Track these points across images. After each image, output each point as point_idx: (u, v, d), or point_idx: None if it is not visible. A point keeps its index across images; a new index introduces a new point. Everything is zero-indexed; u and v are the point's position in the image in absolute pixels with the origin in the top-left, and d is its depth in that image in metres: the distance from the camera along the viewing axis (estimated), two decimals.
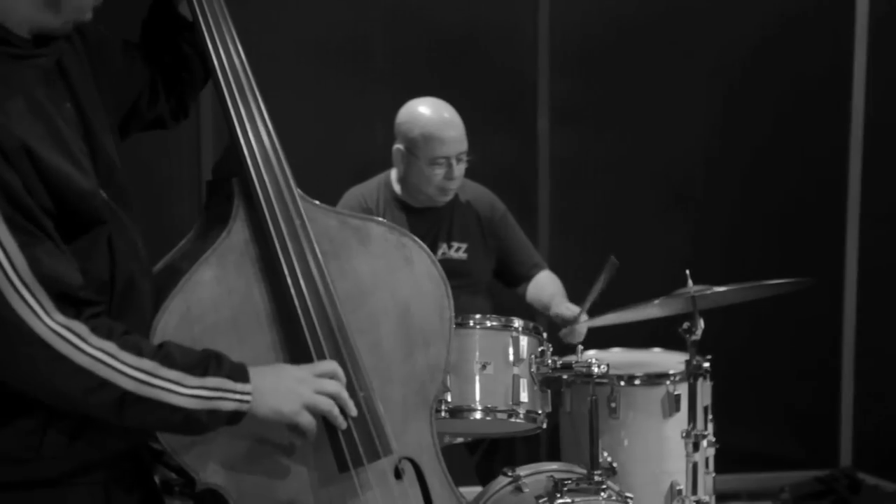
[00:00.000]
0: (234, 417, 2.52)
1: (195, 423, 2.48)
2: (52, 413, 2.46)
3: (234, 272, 2.69)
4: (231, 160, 2.76)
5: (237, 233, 2.71)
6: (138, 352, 2.41)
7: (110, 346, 2.37)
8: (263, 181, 2.73)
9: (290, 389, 2.60)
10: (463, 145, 4.60)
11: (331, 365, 2.67)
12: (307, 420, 2.60)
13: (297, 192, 2.77)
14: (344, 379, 2.67)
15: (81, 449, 2.51)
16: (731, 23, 5.81)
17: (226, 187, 2.77)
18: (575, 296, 4.56)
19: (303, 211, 2.75)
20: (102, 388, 2.37)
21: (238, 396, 2.51)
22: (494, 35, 5.66)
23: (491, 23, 5.64)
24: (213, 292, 2.66)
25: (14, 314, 2.29)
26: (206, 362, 2.50)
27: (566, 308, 4.52)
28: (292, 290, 2.69)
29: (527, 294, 4.78)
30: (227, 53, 2.78)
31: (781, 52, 5.84)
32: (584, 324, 4.44)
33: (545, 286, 4.73)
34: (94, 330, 2.36)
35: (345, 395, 2.65)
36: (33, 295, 2.30)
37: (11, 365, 2.35)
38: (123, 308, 2.56)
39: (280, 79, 5.39)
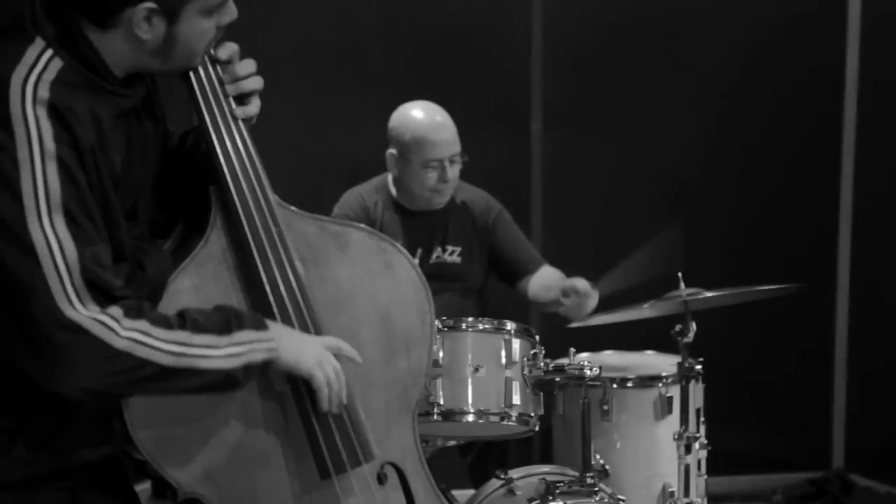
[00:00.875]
0: (265, 367, 2.57)
1: (233, 381, 2.53)
2: (29, 417, 2.48)
3: (213, 281, 2.70)
4: (207, 169, 2.76)
5: (214, 241, 2.72)
6: (168, 325, 2.43)
7: (143, 324, 2.40)
8: (241, 189, 2.73)
9: (307, 344, 2.65)
10: (455, 147, 4.59)
11: (337, 340, 2.72)
12: (321, 377, 2.63)
13: (273, 198, 2.77)
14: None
15: (53, 455, 2.53)
16: (724, 26, 5.80)
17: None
18: (582, 273, 4.52)
19: (280, 218, 2.75)
20: (143, 367, 2.39)
21: (265, 345, 2.55)
22: (488, 37, 5.65)
23: (484, 25, 5.63)
24: (192, 301, 2.66)
25: (52, 302, 2.31)
26: (227, 319, 2.53)
27: (581, 281, 4.42)
28: (271, 298, 2.70)
29: (529, 289, 4.75)
30: (203, 65, 2.77)
31: (773, 56, 5.84)
32: (594, 299, 4.39)
33: (548, 277, 4.71)
34: (127, 312, 2.39)
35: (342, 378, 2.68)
36: (73, 285, 2.34)
37: (50, 359, 2.35)
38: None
39: (273, 82, 5.32)
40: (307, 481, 2.75)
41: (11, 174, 2.31)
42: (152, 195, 2.80)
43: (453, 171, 4.60)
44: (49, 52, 2.46)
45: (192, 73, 2.75)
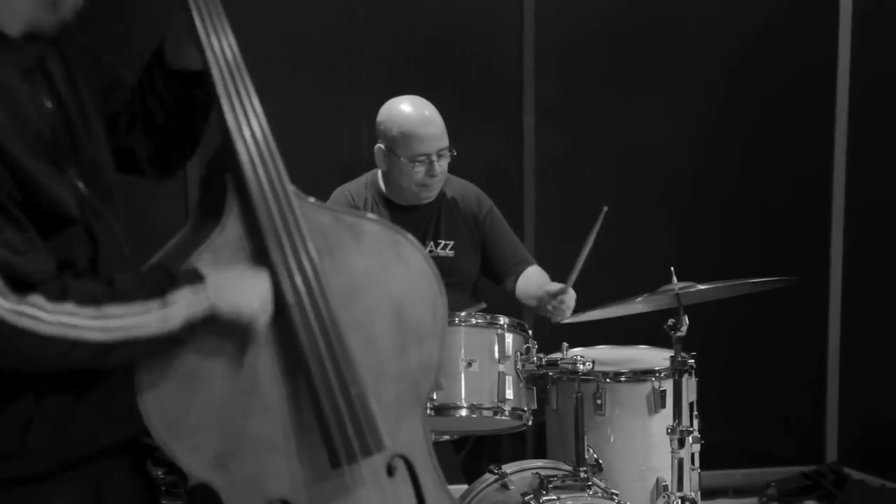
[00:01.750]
0: (207, 322, 2.52)
1: (173, 341, 2.50)
2: (37, 408, 2.48)
3: (228, 267, 2.67)
4: (225, 155, 2.72)
5: (231, 228, 2.68)
6: (95, 301, 2.40)
7: (68, 307, 2.37)
8: (258, 176, 2.69)
9: (248, 288, 2.60)
10: (443, 142, 4.61)
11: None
12: (262, 322, 2.61)
13: (290, 188, 2.74)
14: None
15: (68, 444, 2.53)
16: (717, 24, 5.86)
17: (219, 183, 2.74)
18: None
19: (296, 207, 2.72)
20: (76, 348, 2.38)
21: (202, 303, 2.51)
22: (480, 33, 5.68)
23: (476, 21, 5.67)
24: None
25: None
26: (160, 282, 2.50)
27: (553, 285, 4.51)
28: (286, 285, 2.67)
29: (516, 289, 4.79)
30: (222, 47, 2.72)
31: (766, 54, 5.90)
32: (571, 297, 4.45)
33: (533, 279, 4.75)
34: (49, 296, 2.36)
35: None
36: None
37: None
38: None
39: (266, 77, 5.29)
40: (318, 470, 2.74)
41: None
42: (118, 134, 2.82)
43: (441, 166, 4.62)
44: None
45: (210, 55, 2.70)
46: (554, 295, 4.47)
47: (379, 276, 2.84)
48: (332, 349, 2.69)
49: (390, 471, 2.86)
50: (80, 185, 2.58)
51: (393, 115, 4.63)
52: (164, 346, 2.49)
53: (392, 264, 2.87)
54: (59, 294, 2.37)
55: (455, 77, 5.50)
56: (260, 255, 2.68)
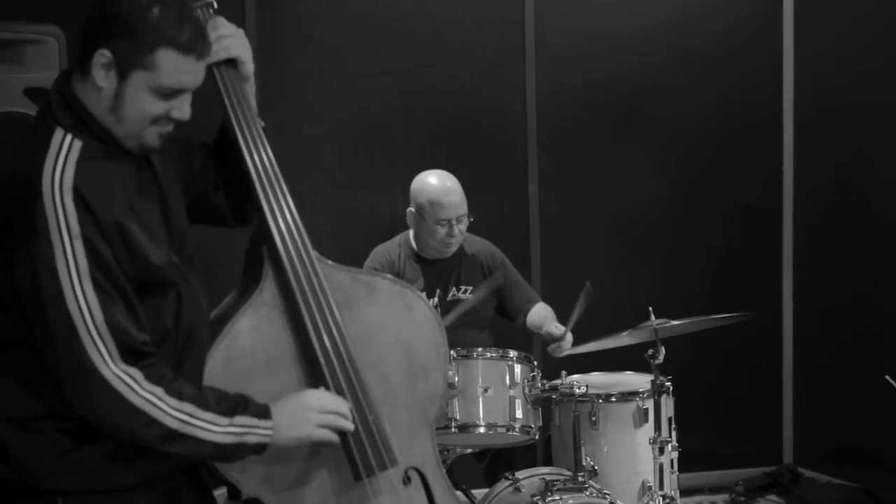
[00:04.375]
0: (259, 449, 2.56)
1: (225, 454, 2.54)
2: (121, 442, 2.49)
3: (266, 322, 2.70)
4: (262, 232, 2.75)
5: (268, 290, 2.72)
6: (180, 396, 2.44)
7: (159, 391, 2.41)
8: (287, 248, 2.72)
9: (301, 417, 2.60)
10: (462, 210, 4.62)
11: (327, 393, 2.68)
12: (323, 435, 2.62)
13: (314, 254, 2.75)
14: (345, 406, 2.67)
15: (148, 462, 2.52)
16: (680, 106, 5.81)
17: (258, 253, 2.78)
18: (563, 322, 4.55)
19: (319, 270, 2.74)
20: (151, 425, 2.40)
21: (262, 432, 2.54)
22: (492, 117, 5.64)
23: (489, 107, 5.63)
24: (250, 339, 2.68)
25: (87, 357, 2.34)
26: (235, 404, 2.53)
27: (555, 327, 4.54)
28: (312, 335, 2.69)
29: (526, 322, 4.77)
30: (259, 153, 2.74)
31: (722, 134, 5.86)
32: (568, 341, 4.47)
33: (539, 312, 4.75)
34: (148, 377, 2.40)
35: (342, 408, 2.67)
36: (104, 343, 2.35)
37: (84, 399, 2.38)
38: (185, 349, 2.60)
39: (317, 158, 5.40)
40: (344, 483, 2.73)
41: (47, 253, 2.32)
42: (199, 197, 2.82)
43: (460, 228, 4.64)
44: (69, 137, 2.43)
45: (249, 161, 2.73)
46: (554, 338, 4.50)
47: (390, 324, 2.84)
48: (351, 384, 2.70)
49: (406, 480, 2.85)
50: (173, 255, 2.58)
51: (422, 186, 4.66)
52: (220, 456, 2.55)
53: (401, 313, 2.87)
54: (156, 379, 2.41)
55: (472, 154, 5.48)
56: (292, 310, 2.71)
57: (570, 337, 4.45)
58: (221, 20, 2.75)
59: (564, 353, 4.48)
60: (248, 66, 2.78)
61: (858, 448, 5.49)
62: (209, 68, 2.65)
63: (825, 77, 5.71)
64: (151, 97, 2.44)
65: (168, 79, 2.42)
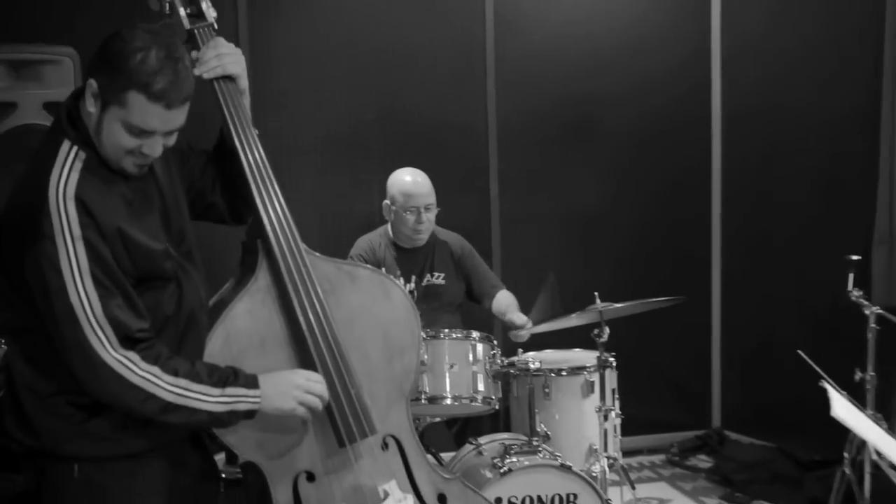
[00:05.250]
0: (249, 415, 2.56)
1: (219, 420, 2.54)
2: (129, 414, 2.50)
3: (261, 307, 2.70)
4: (256, 227, 2.75)
5: (262, 279, 2.72)
6: (175, 373, 2.45)
7: (155, 370, 2.43)
8: (279, 241, 2.72)
9: (287, 392, 2.60)
10: (429, 199, 4.62)
11: (317, 376, 2.68)
12: (302, 412, 2.62)
13: (303, 247, 2.75)
14: (323, 384, 2.67)
15: (155, 431, 2.52)
16: (622, 117, 5.83)
17: (253, 246, 2.77)
18: (523, 307, 4.55)
19: (308, 261, 2.74)
20: (150, 400, 2.42)
21: (251, 400, 2.55)
22: (458, 129, 5.65)
23: (454, 119, 5.63)
24: (246, 322, 2.69)
25: (88, 344, 2.37)
26: (226, 376, 2.53)
27: (517, 316, 4.51)
28: (301, 319, 2.69)
29: (491, 307, 4.74)
30: (253, 155, 2.75)
31: (658, 140, 5.89)
32: (528, 330, 4.44)
33: (503, 300, 4.70)
34: (144, 358, 2.42)
35: (324, 393, 2.66)
36: (103, 332, 2.37)
37: (89, 380, 2.40)
38: (186, 333, 2.61)
39: (305, 161, 5.40)
40: (330, 449, 2.74)
41: (52, 253, 2.34)
42: (200, 197, 2.81)
43: (428, 217, 4.61)
44: (75, 148, 2.45)
45: (244, 160, 2.73)
46: (516, 326, 4.48)
47: (370, 309, 2.84)
48: (336, 362, 2.71)
49: (384, 446, 2.85)
50: (172, 250, 2.58)
51: (395, 180, 4.67)
52: (214, 423, 2.55)
53: (380, 299, 2.87)
54: (152, 359, 2.43)
55: (439, 159, 5.45)
56: (283, 297, 2.71)
57: (529, 325, 4.43)
58: (221, 40, 2.76)
59: (524, 340, 4.47)
60: (244, 82, 2.79)
61: (775, 413, 5.53)
62: (210, 82, 2.70)
63: (747, 95, 5.76)
64: (123, 131, 2.43)
65: (136, 119, 2.41)
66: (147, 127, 2.41)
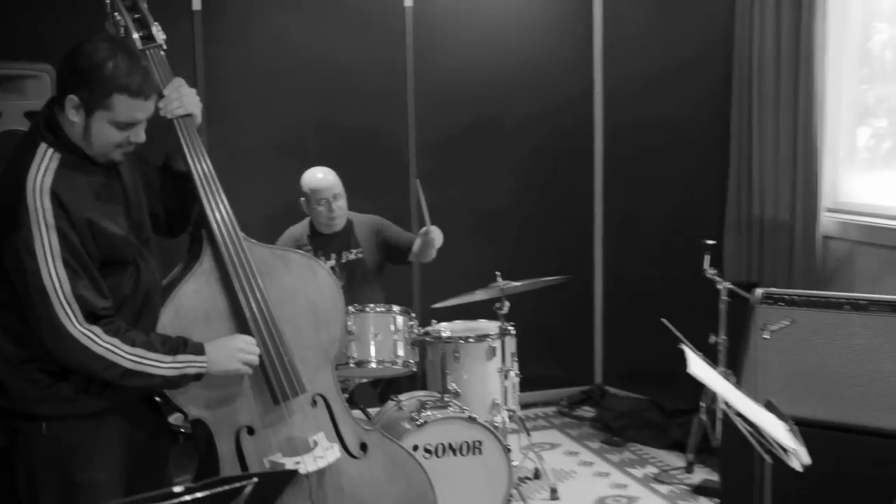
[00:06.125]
0: (197, 377, 2.53)
1: (172, 383, 2.52)
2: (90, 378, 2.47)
3: (205, 286, 2.67)
4: (201, 220, 2.71)
5: (206, 262, 2.68)
6: (133, 343, 2.42)
7: (116, 341, 2.40)
8: (221, 231, 2.68)
9: (232, 355, 2.59)
10: (335, 190, 4.49)
11: (251, 338, 2.65)
12: (245, 370, 2.61)
13: (241, 235, 2.72)
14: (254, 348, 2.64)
15: (112, 393, 2.48)
16: (520, 122, 5.80)
17: (199, 235, 2.73)
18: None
19: (245, 247, 2.70)
20: (111, 367, 2.39)
21: (199, 365, 2.52)
22: (383, 132, 5.58)
23: (380, 125, 5.57)
24: (192, 299, 2.65)
25: (58, 319, 2.33)
26: (176, 345, 2.51)
27: (423, 230, 4.36)
28: (240, 296, 2.66)
29: (410, 256, 4.58)
30: (201, 164, 2.71)
31: (550, 141, 5.88)
32: (436, 231, 4.32)
33: (416, 243, 4.51)
34: (106, 331, 2.39)
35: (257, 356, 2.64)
36: (70, 308, 2.34)
37: (58, 350, 2.37)
38: (143, 309, 2.58)
39: (252, 163, 5.30)
40: (267, 406, 2.70)
41: (28, 240, 2.32)
42: (150, 205, 2.74)
43: (338, 205, 4.50)
44: (51, 150, 2.42)
45: (192, 167, 2.68)
46: (427, 233, 4.33)
47: (300, 287, 2.81)
48: (270, 332, 2.68)
49: (313, 403, 2.82)
50: (132, 238, 2.55)
51: (304, 178, 4.55)
52: (165, 385, 2.52)
53: (308, 279, 2.83)
54: (113, 332, 2.39)
55: (367, 160, 5.43)
56: (225, 278, 2.67)
57: (435, 228, 4.30)
58: (180, 80, 2.73)
59: (434, 255, 4.36)
60: (199, 119, 2.76)
61: (646, 371, 5.60)
62: (170, 121, 2.69)
63: (623, 105, 5.78)
64: (112, 129, 2.43)
65: (123, 116, 2.42)
66: (134, 120, 2.43)
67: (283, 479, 2.30)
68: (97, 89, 2.38)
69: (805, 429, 2.72)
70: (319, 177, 4.53)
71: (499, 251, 5.57)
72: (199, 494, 1.90)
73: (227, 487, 1.96)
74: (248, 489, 1.99)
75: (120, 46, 2.45)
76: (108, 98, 2.39)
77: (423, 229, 4.34)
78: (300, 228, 4.65)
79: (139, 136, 2.48)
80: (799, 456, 2.57)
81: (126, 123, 2.44)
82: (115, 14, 2.69)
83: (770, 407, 2.80)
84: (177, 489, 1.89)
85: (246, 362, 2.59)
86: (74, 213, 2.36)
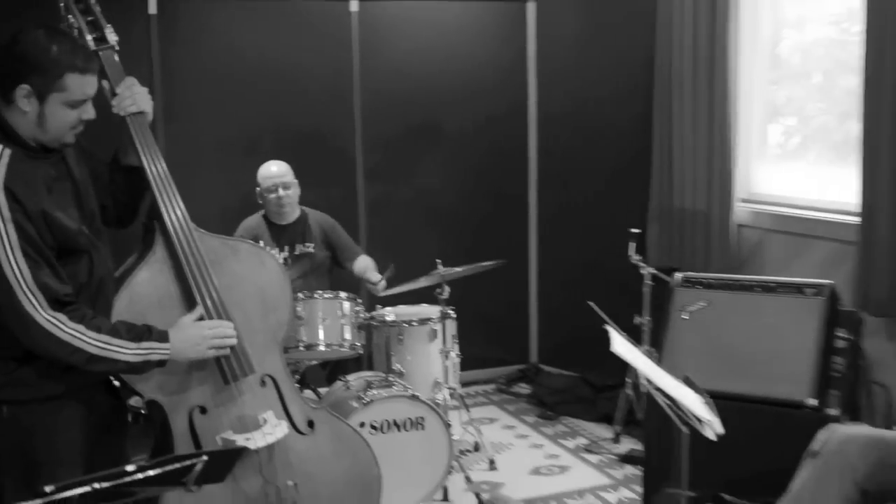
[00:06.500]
0: (161, 364, 2.49)
1: (136, 369, 2.47)
2: (49, 362, 2.40)
3: (158, 274, 2.62)
4: (154, 213, 2.66)
5: (159, 252, 2.64)
6: (98, 330, 2.38)
7: (81, 328, 2.35)
8: (173, 221, 2.63)
9: (195, 343, 2.54)
10: (286, 178, 4.54)
11: (222, 324, 2.61)
12: (212, 354, 2.58)
13: (192, 226, 2.67)
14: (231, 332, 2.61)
15: (72, 376, 2.43)
16: (461, 121, 5.80)
17: (151, 226, 2.68)
18: (380, 270, 4.51)
19: (196, 238, 2.65)
20: (77, 352, 2.35)
21: (162, 352, 2.48)
22: (331, 132, 5.52)
23: (329, 124, 5.51)
24: (146, 287, 2.60)
25: (23, 308, 2.28)
26: (141, 333, 2.46)
27: (373, 275, 4.47)
28: (192, 283, 2.61)
29: (353, 269, 4.65)
30: (156, 167, 2.65)
31: (488, 140, 5.87)
32: (382, 285, 4.40)
33: (362, 263, 4.63)
34: (71, 318, 2.34)
35: (228, 340, 2.61)
36: (35, 297, 2.29)
37: (25, 338, 2.32)
38: (97, 296, 2.52)
39: (209, 159, 5.22)
40: (217, 387, 2.66)
41: None
42: (99, 197, 2.66)
43: (287, 193, 4.53)
44: (1, 146, 2.35)
45: (146, 166, 2.62)
46: (372, 283, 4.43)
47: (249, 275, 2.76)
48: (220, 317, 2.63)
49: (262, 383, 2.77)
50: (85, 228, 2.48)
51: (260, 171, 4.60)
52: (129, 370, 2.47)
53: (257, 267, 2.79)
54: (78, 319, 2.34)
55: (317, 156, 5.39)
56: (177, 266, 2.62)
57: (383, 283, 4.40)
58: (133, 80, 2.68)
59: (380, 293, 4.43)
60: (150, 116, 2.70)
61: (578, 350, 5.61)
62: (123, 118, 2.63)
63: (555, 104, 5.81)
64: (66, 109, 2.38)
65: (77, 94, 2.38)
66: (85, 96, 2.39)
67: (234, 455, 2.25)
68: (49, 72, 2.33)
69: (719, 401, 2.76)
70: (273, 169, 4.55)
71: (439, 240, 5.57)
72: (151, 473, 1.87)
73: (178, 465, 1.93)
74: (199, 466, 1.96)
75: (54, 30, 2.41)
76: (60, 79, 2.34)
77: (374, 280, 4.41)
78: (255, 219, 4.61)
79: (89, 112, 2.43)
80: (713, 426, 2.60)
81: (78, 101, 2.39)
82: (70, 17, 2.63)
83: (688, 382, 2.84)
84: (129, 468, 1.85)
85: (216, 347, 2.56)
86: (29, 206, 2.30)
